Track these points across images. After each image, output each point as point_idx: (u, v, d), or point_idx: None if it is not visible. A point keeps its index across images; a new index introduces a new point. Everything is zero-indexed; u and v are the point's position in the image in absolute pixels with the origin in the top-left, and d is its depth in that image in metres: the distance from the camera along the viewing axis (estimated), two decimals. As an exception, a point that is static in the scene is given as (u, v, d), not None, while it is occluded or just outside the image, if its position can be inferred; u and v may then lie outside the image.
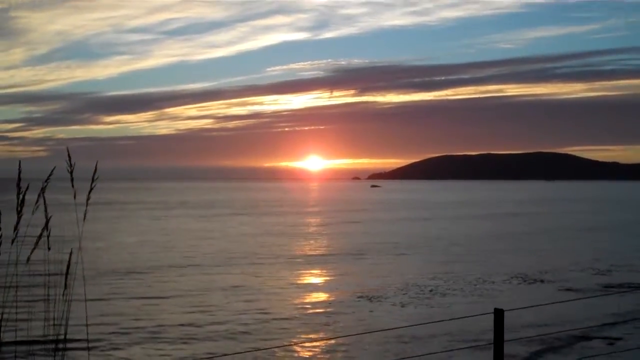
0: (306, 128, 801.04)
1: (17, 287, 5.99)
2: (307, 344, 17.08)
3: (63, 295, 5.99)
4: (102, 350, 16.30)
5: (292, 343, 17.03)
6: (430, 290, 25.45)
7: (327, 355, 16.08)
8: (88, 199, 5.98)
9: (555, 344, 17.32)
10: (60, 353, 6.01)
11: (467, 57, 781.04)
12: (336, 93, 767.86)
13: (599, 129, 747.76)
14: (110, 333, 17.98)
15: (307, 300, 23.53)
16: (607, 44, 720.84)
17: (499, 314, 6.80)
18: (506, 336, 7.03)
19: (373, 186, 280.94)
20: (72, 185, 5.98)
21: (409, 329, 17.87)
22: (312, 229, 56.87)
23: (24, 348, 10.04)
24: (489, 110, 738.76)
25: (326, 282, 28.22)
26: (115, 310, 21.16)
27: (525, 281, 28.21)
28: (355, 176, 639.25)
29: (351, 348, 16.55)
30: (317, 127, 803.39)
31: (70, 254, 6.09)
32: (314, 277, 29.44)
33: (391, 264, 33.63)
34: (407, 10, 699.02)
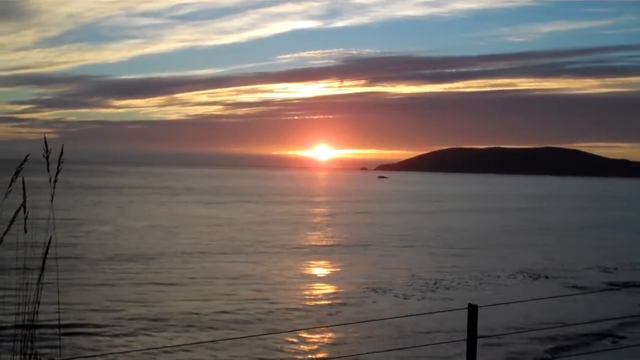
0: (315, 117, 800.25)
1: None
2: (304, 334, 17.10)
3: (39, 279, 6.01)
4: (104, 336, 16.35)
5: (289, 330, 17.04)
6: (435, 283, 25.46)
7: (326, 345, 16.12)
8: (55, 180, 6.01)
9: (545, 341, 17.30)
10: (28, 339, 6.01)
11: (479, 50, 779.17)
12: (346, 82, 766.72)
13: (609, 125, 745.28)
14: (114, 319, 18.06)
15: (311, 291, 23.56)
16: (619, 40, 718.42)
17: (472, 310, 6.75)
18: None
19: (380, 177, 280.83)
20: (48, 170, 6.04)
21: (407, 320, 17.89)
22: (318, 219, 56.90)
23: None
24: (499, 104, 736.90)
25: (331, 273, 28.24)
26: (119, 296, 21.23)
27: (530, 276, 28.21)
28: (363, 167, 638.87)
29: (347, 338, 16.58)
30: (326, 117, 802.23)
31: (49, 239, 6.10)
32: (319, 268, 29.47)
33: (397, 256, 33.63)
34: (420, 1, 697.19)
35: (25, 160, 6.22)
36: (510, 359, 15.72)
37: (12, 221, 5.89)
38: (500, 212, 72.75)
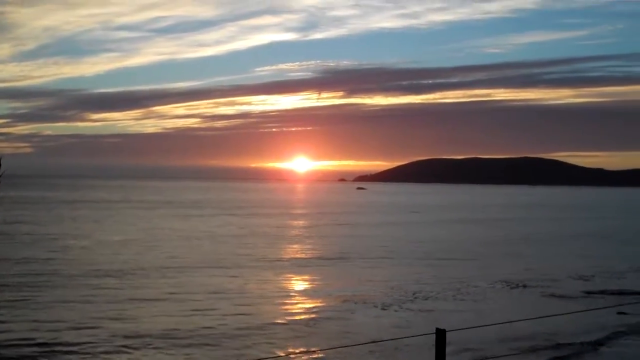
0: (294, 129, 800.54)
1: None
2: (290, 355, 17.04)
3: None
4: (80, 354, 16.16)
5: (272, 356, 16.94)
6: (414, 294, 25.47)
7: None
8: None
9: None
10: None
11: (456, 61, 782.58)
12: (324, 94, 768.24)
13: (585, 135, 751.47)
14: (90, 336, 17.87)
15: (290, 305, 23.45)
16: (595, 50, 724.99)
17: (440, 335, 6.57)
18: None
19: (359, 188, 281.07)
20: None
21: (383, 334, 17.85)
22: (297, 232, 56.84)
23: None
24: (477, 114, 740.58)
25: (311, 286, 28.11)
26: (95, 312, 21.03)
27: (508, 285, 28.35)
28: (342, 178, 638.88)
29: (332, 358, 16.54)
30: (304, 128, 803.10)
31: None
32: (298, 281, 29.33)
33: (376, 268, 33.61)
34: (396, 13, 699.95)
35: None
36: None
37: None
38: (479, 223, 73.05)
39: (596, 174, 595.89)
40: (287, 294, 25.82)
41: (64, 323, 19.14)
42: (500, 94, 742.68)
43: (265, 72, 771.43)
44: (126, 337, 17.68)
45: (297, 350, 16.83)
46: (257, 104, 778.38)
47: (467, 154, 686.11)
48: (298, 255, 38.55)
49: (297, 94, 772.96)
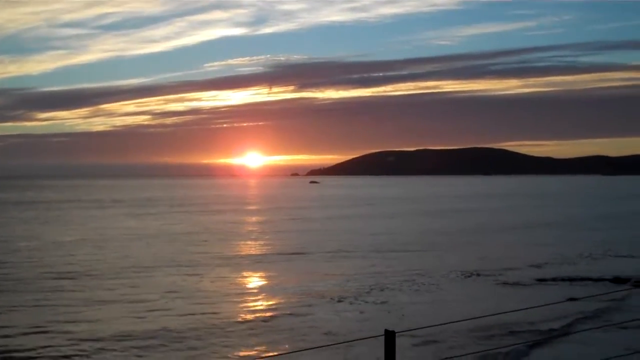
0: (245, 124, 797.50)
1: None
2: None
3: None
4: None
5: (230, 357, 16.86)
6: (370, 287, 25.57)
7: None
8: None
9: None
10: None
11: (405, 54, 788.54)
12: (275, 89, 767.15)
13: (533, 124, 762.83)
14: (43, 340, 17.59)
15: (247, 304, 23.31)
16: (542, 41, 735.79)
17: (390, 337, 6.37)
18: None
19: (312, 182, 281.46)
20: None
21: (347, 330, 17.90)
22: (251, 228, 56.69)
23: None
24: (426, 106, 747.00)
25: (267, 283, 27.96)
26: (48, 317, 20.71)
27: (462, 274, 28.67)
28: (294, 172, 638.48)
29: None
30: (255, 123, 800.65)
31: None
32: (254, 278, 29.19)
33: (332, 262, 33.66)
34: (346, 7, 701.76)
35: None
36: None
37: None
38: (433, 214, 73.71)
39: (545, 163, 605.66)
40: (243, 291, 25.70)
41: (17, 328, 18.78)
42: (449, 86, 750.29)
43: (215, 67, 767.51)
44: (82, 340, 17.42)
45: (254, 351, 16.78)
46: (207, 100, 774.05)
47: (417, 146, 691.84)
48: (253, 252, 38.44)
49: (248, 89, 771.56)
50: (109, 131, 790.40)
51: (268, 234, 49.98)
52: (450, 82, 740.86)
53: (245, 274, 29.97)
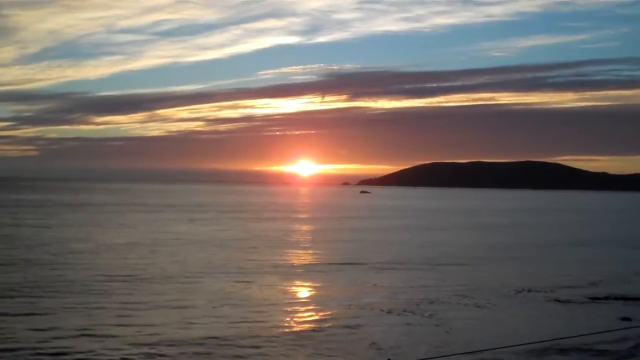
0: (297, 132, 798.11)
1: None
2: None
3: None
4: None
5: None
6: (420, 301, 25.34)
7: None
8: None
9: None
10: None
11: (459, 65, 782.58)
12: (328, 98, 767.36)
13: (588, 139, 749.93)
14: (96, 344, 17.82)
15: (298, 314, 23.29)
16: (598, 54, 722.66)
17: None
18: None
19: (362, 192, 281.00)
20: None
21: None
22: (302, 236, 56.76)
23: None
24: (480, 118, 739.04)
25: (317, 293, 27.89)
26: (101, 320, 20.98)
27: (514, 290, 28.30)
28: (345, 182, 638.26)
29: None
30: (308, 132, 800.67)
31: None
32: (305, 288, 29.10)
33: (382, 274, 33.48)
34: (400, 17, 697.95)
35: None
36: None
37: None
38: (485, 228, 72.95)
39: (600, 178, 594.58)
40: (292, 300, 25.72)
41: (66, 330, 19.01)
42: (504, 98, 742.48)
43: (268, 75, 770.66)
44: (129, 344, 17.59)
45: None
46: (260, 108, 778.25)
47: (470, 158, 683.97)
48: (303, 261, 38.47)
49: (301, 97, 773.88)
50: (164, 136, 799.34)
51: (318, 243, 49.97)
52: (504, 94, 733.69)
53: (294, 282, 29.99)
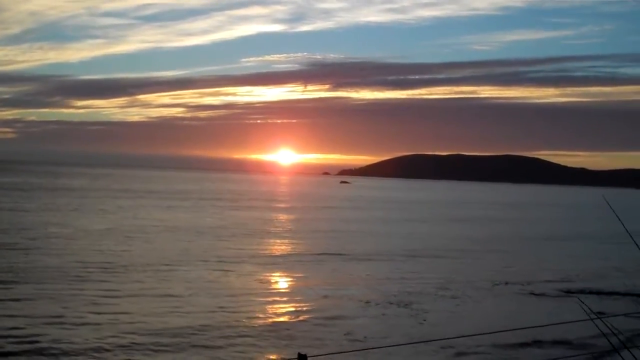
0: (279, 121, 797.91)
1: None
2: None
3: None
4: (65, 354, 16.03)
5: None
6: (395, 294, 25.42)
7: None
8: None
9: None
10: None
11: (442, 57, 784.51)
12: (310, 87, 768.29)
13: (568, 134, 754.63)
14: (71, 334, 17.72)
15: (275, 305, 23.33)
16: (580, 50, 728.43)
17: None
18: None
19: (343, 182, 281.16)
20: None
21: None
22: (280, 226, 56.74)
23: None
24: (462, 111, 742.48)
25: (294, 284, 27.96)
26: (72, 307, 20.86)
27: (491, 283, 28.47)
28: (326, 171, 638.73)
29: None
30: (289, 121, 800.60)
31: None
32: (282, 278, 29.10)
33: (360, 265, 33.58)
34: (384, 7, 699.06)
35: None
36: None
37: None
38: (463, 220, 73.27)
39: (579, 174, 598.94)
40: (269, 291, 25.75)
41: (39, 318, 18.77)
42: (486, 91, 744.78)
43: (251, 63, 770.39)
44: (103, 333, 17.49)
45: (272, 353, 16.76)
46: (242, 95, 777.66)
47: (451, 151, 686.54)
48: (281, 250, 38.50)
49: (283, 85, 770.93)
50: (144, 122, 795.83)
51: (297, 232, 49.99)
52: (487, 87, 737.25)
53: (272, 272, 29.97)
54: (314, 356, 7.00)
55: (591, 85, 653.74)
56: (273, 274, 29.45)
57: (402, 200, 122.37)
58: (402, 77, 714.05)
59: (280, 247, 40.22)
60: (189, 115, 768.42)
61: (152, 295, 22.73)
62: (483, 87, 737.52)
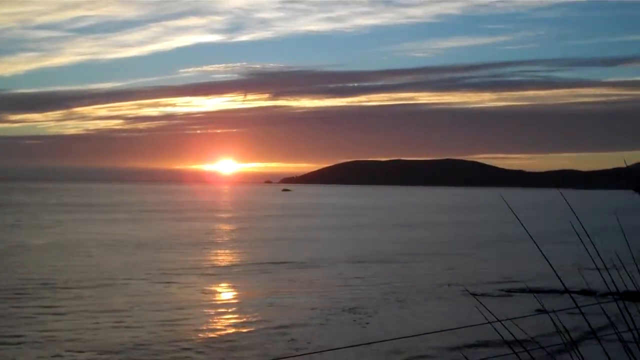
0: (219, 131, 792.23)
1: None
2: None
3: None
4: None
5: None
6: (340, 298, 25.43)
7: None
8: None
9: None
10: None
11: (381, 65, 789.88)
12: (250, 96, 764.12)
13: (505, 137, 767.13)
14: None
15: (215, 317, 23.15)
16: (516, 55, 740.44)
17: None
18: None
19: (285, 190, 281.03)
20: None
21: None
22: (222, 236, 56.37)
23: None
24: (401, 117, 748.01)
25: (235, 295, 27.77)
26: (6, 326, 20.34)
27: (435, 285, 28.70)
28: (268, 180, 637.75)
29: None
30: (230, 130, 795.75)
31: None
32: (225, 290, 28.92)
33: (303, 273, 33.52)
34: (323, 17, 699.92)
35: None
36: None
37: None
38: (404, 225, 73.79)
39: (517, 176, 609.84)
40: (212, 303, 25.54)
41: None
42: (424, 97, 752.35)
43: (190, 73, 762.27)
44: (44, 352, 17.11)
45: None
46: (181, 106, 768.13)
47: (391, 156, 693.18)
48: (223, 261, 38.21)
49: (223, 95, 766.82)
50: (82, 135, 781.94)
51: (239, 242, 49.70)
52: (424, 94, 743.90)
53: (215, 284, 29.71)
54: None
55: (527, 90, 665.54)
56: (217, 285, 29.20)
57: (344, 207, 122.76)
58: (341, 85, 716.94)
59: (223, 257, 39.92)
60: (127, 127, 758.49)
61: (93, 311, 22.26)
62: (421, 93, 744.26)
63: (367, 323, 21.07)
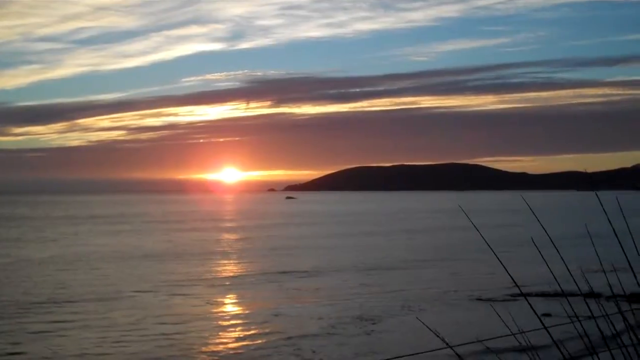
0: (222, 139, 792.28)
1: None
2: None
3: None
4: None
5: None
6: (348, 307, 25.31)
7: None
8: None
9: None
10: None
11: (382, 70, 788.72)
12: (252, 104, 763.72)
13: (508, 140, 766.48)
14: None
15: (220, 330, 23.04)
16: (517, 57, 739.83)
17: None
18: None
19: (288, 198, 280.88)
20: None
21: None
22: (227, 246, 56.25)
23: None
24: (403, 122, 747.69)
25: (240, 306, 27.66)
26: (13, 340, 20.25)
27: (442, 292, 28.57)
28: (271, 188, 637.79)
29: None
30: (232, 139, 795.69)
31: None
32: (227, 301, 28.83)
33: (308, 281, 33.43)
34: (323, 23, 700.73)
35: None
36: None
37: None
38: (410, 231, 73.62)
39: (520, 178, 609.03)
40: (221, 315, 25.42)
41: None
42: (426, 101, 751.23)
43: (192, 82, 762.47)
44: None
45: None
46: (184, 115, 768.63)
47: (394, 162, 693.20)
48: (229, 272, 38.11)
49: (225, 104, 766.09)
50: (85, 146, 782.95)
51: (245, 252, 49.59)
52: (426, 97, 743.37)
53: (222, 294, 29.65)
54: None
55: (528, 91, 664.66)
56: (223, 296, 29.10)
57: (348, 213, 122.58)
58: (343, 91, 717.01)
59: (229, 267, 39.82)
60: (130, 137, 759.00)
61: (99, 326, 22.19)
62: (423, 97, 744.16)
63: (372, 330, 20.89)
